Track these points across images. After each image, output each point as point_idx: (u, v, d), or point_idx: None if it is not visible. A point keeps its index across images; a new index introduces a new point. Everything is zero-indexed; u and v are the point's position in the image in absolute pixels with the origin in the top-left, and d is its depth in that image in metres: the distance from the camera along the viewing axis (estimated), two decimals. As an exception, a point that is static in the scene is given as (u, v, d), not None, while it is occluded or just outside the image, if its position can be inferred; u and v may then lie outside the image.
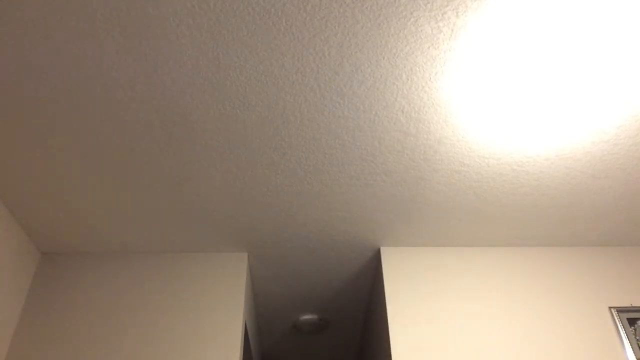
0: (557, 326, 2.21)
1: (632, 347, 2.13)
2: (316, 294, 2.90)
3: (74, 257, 2.37)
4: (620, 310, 2.25)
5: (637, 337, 2.17)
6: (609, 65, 1.57)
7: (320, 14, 1.39)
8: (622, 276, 2.39)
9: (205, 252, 2.44)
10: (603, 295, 2.32)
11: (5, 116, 1.66)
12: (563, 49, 1.51)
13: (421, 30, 1.45)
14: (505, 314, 2.25)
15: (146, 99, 1.63)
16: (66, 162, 1.86)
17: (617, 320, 2.22)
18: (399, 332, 2.18)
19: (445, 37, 1.47)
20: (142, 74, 1.54)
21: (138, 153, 1.84)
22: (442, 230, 2.36)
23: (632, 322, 2.21)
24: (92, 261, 2.36)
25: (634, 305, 2.27)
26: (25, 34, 1.41)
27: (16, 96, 1.59)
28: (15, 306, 2.14)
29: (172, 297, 2.27)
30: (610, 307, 2.27)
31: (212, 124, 1.73)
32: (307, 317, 3.16)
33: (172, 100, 1.63)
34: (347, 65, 1.55)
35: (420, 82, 1.62)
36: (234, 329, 2.19)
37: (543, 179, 2.04)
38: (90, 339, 2.12)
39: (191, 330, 2.18)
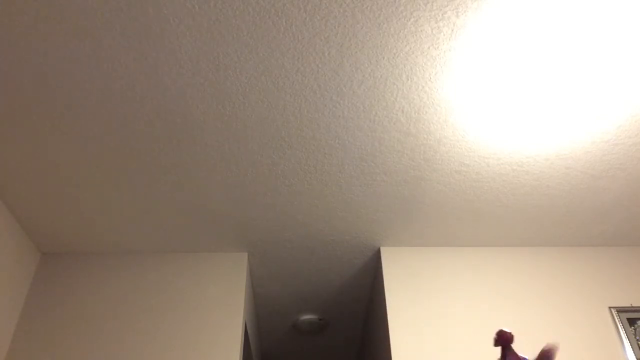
0: (557, 326, 2.21)
1: (632, 347, 2.13)
2: (316, 294, 2.90)
3: (74, 257, 2.37)
4: (620, 310, 2.25)
5: (637, 337, 2.17)
6: (609, 65, 1.57)
7: (320, 14, 1.39)
8: (622, 276, 2.39)
9: (205, 252, 2.44)
10: (603, 295, 2.31)
11: (5, 116, 1.66)
12: (563, 49, 1.51)
13: (421, 30, 1.45)
14: (505, 313, 2.25)
15: (146, 99, 1.63)
16: (66, 162, 1.86)
17: (617, 320, 2.21)
18: (399, 332, 2.18)
19: (445, 37, 1.47)
20: (142, 74, 1.54)
21: (138, 153, 1.84)
22: (442, 230, 2.36)
23: (632, 322, 2.21)
24: (92, 261, 2.36)
25: (634, 305, 2.27)
26: (26, 34, 1.41)
27: (16, 96, 1.59)
28: (15, 306, 2.14)
29: (172, 297, 2.27)
30: (610, 307, 2.27)
31: (212, 124, 1.73)
32: (307, 317, 3.15)
33: (172, 100, 1.63)
34: (347, 65, 1.55)
35: (420, 82, 1.62)
36: (234, 329, 2.19)
37: (543, 179, 2.04)
38: (90, 339, 2.12)
39: (191, 330, 2.18)
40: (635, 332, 2.18)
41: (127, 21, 1.38)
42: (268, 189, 2.05)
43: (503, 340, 0.61)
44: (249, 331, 2.63)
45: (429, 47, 1.50)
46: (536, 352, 2.13)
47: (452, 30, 1.45)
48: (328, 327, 3.29)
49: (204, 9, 1.37)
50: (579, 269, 2.41)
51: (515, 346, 2.15)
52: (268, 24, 1.41)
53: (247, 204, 2.12)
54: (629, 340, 2.15)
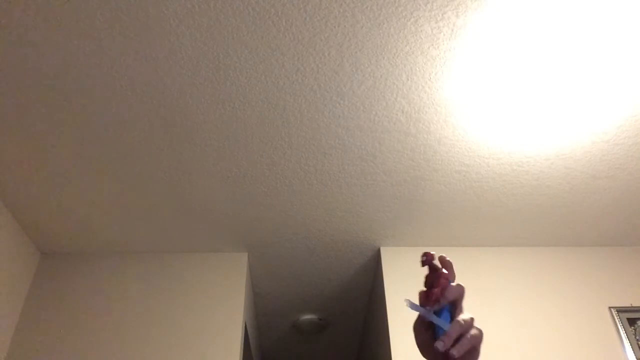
0: (557, 326, 2.21)
1: (632, 347, 2.13)
2: (316, 294, 2.90)
3: (74, 257, 2.37)
4: (620, 310, 2.25)
5: (637, 337, 2.17)
6: (609, 65, 1.57)
7: (320, 14, 1.39)
8: (622, 276, 2.39)
9: (205, 252, 2.44)
10: (603, 295, 2.31)
11: (5, 116, 1.66)
12: (563, 48, 1.51)
13: (421, 30, 1.45)
14: (505, 314, 2.25)
15: (146, 99, 1.63)
16: (66, 162, 1.86)
17: (617, 320, 2.21)
18: (399, 332, 2.18)
19: (445, 37, 1.47)
20: (142, 74, 1.54)
21: (138, 153, 1.84)
22: (442, 230, 2.36)
23: (632, 322, 2.21)
24: (92, 261, 2.36)
25: (634, 305, 2.27)
26: (26, 35, 1.41)
27: (16, 96, 1.59)
28: (15, 306, 2.14)
29: (172, 297, 2.27)
30: (610, 307, 2.27)
31: (212, 124, 1.73)
32: (307, 317, 3.15)
33: (172, 100, 1.63)
34: (347, 65, 1.55)
35: (420, 82, 1.62)
36: (234, 329, 2.19)
37: (543, 179, 2.04)
38: (90, 339, 2.12)
39: (191, 330, 2.18)
40: (635, 332, 2.18)
41: (127, 21, 1.38)
42: (268, 189, 2.05)
43: (429, 258, 0.63)
44: (249, 331, 2.63)
45: (429, 47, 1.50)
46: (536, 353, 2.14)
47: (452, 30, 1.45)
48: (328, 327, 3.29)
49: (204, 9, 1.37)
50: (579, 269, 2.41)
51: (515, 348, 2.15)
52: (268, 24, 1.41)
53: (247, 204, 2.12)
54: (629, 340, 2.15)
